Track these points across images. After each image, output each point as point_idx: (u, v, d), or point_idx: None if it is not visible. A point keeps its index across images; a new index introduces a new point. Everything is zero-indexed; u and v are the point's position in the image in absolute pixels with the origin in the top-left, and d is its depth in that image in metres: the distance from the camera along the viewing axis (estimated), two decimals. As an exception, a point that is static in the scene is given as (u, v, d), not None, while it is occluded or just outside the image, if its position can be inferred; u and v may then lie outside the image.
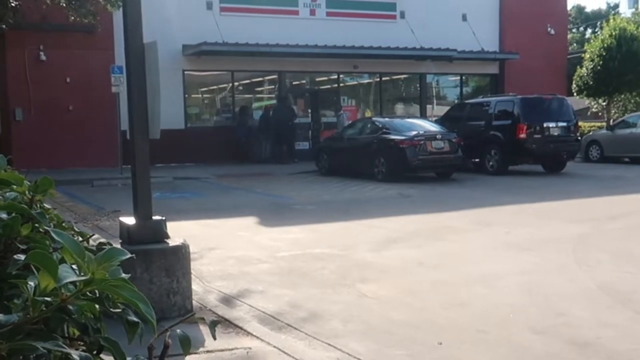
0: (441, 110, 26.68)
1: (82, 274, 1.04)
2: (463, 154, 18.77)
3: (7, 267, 1.16)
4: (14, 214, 1.29)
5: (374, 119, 21.14)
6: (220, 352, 5.03)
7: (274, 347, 5.22)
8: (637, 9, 36.62)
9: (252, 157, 23.98)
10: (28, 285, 1.03)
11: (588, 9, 66.14)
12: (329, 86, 27.69)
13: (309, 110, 26.63)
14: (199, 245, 8.99)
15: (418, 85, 28.56)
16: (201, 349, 4.95)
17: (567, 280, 7.25)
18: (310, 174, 20.64)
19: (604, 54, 27.70)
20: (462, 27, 27.46)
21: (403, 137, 18.21)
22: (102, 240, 1.63)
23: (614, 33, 27.95)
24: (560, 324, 5.74)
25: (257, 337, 5.43)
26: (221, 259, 8.69)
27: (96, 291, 1.06)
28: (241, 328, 5.64)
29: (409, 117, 22.49)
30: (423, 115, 26.71)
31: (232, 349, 5.11)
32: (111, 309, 1.11)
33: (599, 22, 41.30)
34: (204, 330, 5.06)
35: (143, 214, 6.21)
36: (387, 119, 20.64)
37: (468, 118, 21.10)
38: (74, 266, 1.06)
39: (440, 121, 21.82)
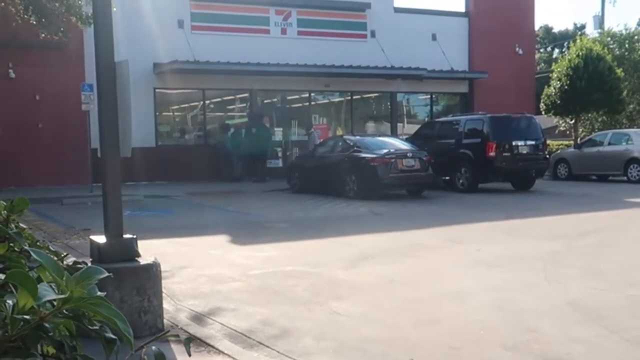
0: (412, 128, 26.93)
1: (61, 292, 1.04)
2: (434, 171, 18.91)
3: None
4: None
5: (345, 137, 21.22)
6: (192, 372, 5.00)
7: (247, 365, 5.19)
8: (602, 29, 37.29)
9: (224, 175, 23.92)
10: (6, 304, 1.03)
11: (555, 30, 67.07)
12: (300, 104, 27.78)
13: (281, 129, 26.73)
14: (170, 263, 8.94)
15: (389, 103, 28.77)
16: (173, 369, 4.91)
17: (538, 297, 7.33)
18: (282, 192, 20.64)
19: (571, 73, 28.17)
20: (432, 47, 27.79)
21: (374, 155, 18.30)
22: (77, 259, 1.63)
23: (580, 53, 28.45)
24: (531, 340, 5.79)
25: (229, 356, 5.40)
26: (193, 277, 8.64)
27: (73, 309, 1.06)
28: (213, 346, 5.61)
29: (380, 136, 22.62)
30: (394, 133, 26.87)
31: (204, 368, 5.08)
32: (89, 327, 1.11)
33: (566, 43, 42.00)
34: (176, 348, 5.03)
35: (114, 232, 6.16)
36: (358, 137, 20.75)
37: (438, 136, 21.30)
38: (52, 285, 1.06)
39: (411, 139, 22.00)
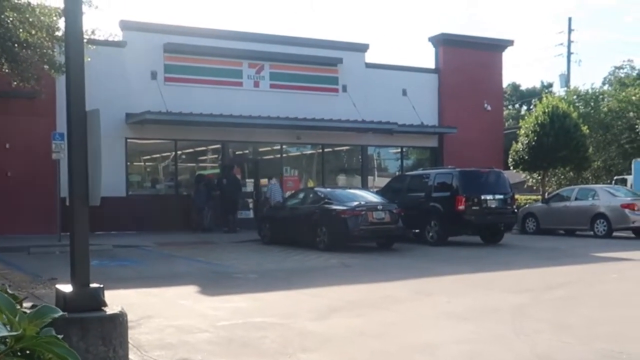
0: (382, 181, 27.07)
1: (14, 330, 1.04)
2: (404, 224, 18.98)
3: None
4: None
5: (316, 189, 21.29)
6: None
7: (211, 419, 5.11)
8: (569, 88, 38.19)
9: (195, 226, 23.76)
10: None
11: (523, 87, 68.61)
12: (272, 156, 27.87)
13: (252, 180, 26.72)
14: (137, 313, 8.81)
15: (360, 156, 28.98)
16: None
17: (506, 350, 7.33)
18: (253, 243, 20.55)
19: (538, 130, 28.63)
20: (402, 102, 28.18)
21: (345, 207, 18.36)
22: (35, 303, 1.62)
23: (547, 110, 28.98)
24: (498, 394, 5.77)
25: (194, 409, 5.31)
26: (160, 327, 8.52)
27: (27, 350, 1.06)
28: (178, 399, 5.52)
29: (350, 188, 22.71)
30: (364, 186, 27.00)
31: (168, 421, 4.99)
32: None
33: (533, 100, 42.88)
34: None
35: (80, 281, 6.08)
36: (329, 189, 20.81)
37: (408, 189, 21.44)
38: (7, 327, 1.06)
39: (381, 192, 22.11)
